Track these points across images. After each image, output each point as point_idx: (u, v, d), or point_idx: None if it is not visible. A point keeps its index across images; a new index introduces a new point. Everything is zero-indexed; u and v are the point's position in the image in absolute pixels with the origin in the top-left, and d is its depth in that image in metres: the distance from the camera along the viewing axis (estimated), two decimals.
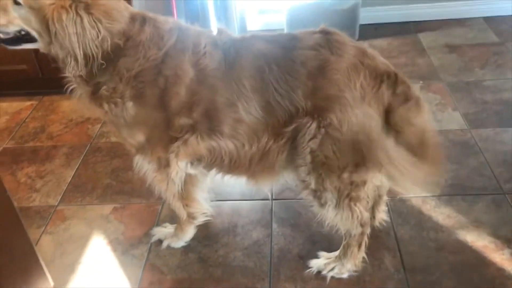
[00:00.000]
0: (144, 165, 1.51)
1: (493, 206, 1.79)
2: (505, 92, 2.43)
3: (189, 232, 1.73)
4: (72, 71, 1.32)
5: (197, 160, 1.46)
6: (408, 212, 1.80)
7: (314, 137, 1.32)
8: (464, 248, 1.64)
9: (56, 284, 1.57)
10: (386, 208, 1.79)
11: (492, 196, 1.83)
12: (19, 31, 1.36)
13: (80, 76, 1.34)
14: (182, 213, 1.64)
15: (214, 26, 2.85)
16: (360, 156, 1.33)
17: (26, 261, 1.36)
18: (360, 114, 1.29)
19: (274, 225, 1.80)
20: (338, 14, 3.00)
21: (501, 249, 1.62)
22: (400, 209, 1.82)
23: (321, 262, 1.60)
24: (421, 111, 1.38)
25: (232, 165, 1.44)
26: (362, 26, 3.15)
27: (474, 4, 3.16)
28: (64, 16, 1.25)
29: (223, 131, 1.37)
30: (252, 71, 1.32)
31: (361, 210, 1.45)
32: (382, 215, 1.73)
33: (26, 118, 2.60)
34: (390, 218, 1.78)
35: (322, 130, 1.30)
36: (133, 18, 1.34)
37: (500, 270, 1.55)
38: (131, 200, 1.97)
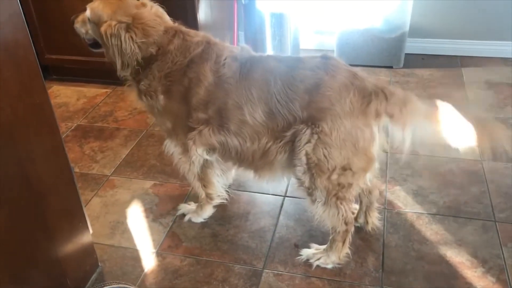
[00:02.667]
0: (171, 148, 1.88)
1: (481, 230, 1.96)
2: None
3: (208, 211, 2.06)
4: (118, 72, 1.73)
5: (211, 149, 1.79)
6: (401, 224, 2.01)
7: (308, 141, 1.59)
8: (442, 261, 1.83)
9: (96, 235, 1.97)
10: (381, 217, 2.01)
11: (483, 222, 1.99)
12: (94, 38, 1.79)
13: (128, 75, 1.74)
14: (201, 192, 1.98)
15: (269, 42, 3.19)
16: (347, 161, 1.60)
17: (71, 209, 1.74)
18: (348, 125, 1.55)
19: (281, 217, 2.08)
20: (386, 42, 3.23)
21: (475, 267, 1.79)
22: (395, 220, 2.03)
23: (310, 251, 1.87)
24: (420, 106, 1.61)
25: (238, 158, 1.76)
26: (409, 55, 3.35)
27: None
28: (109, 32, 1.65)
29: (230, 128, 1.69)
30: (260, 83, 1.62)
31: (347, 210, 1.70)
32: (374, 220, 1.96)
33: (99, 103, 3.08)
34: (383, 226, 2.00)
35: (315, 136, 1.58)
36: (166, 31, 1.71)
37: (468, 285, 1.73)
38: (168, 179, 2.34)
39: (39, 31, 3.16)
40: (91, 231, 1.84)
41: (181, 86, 1.70)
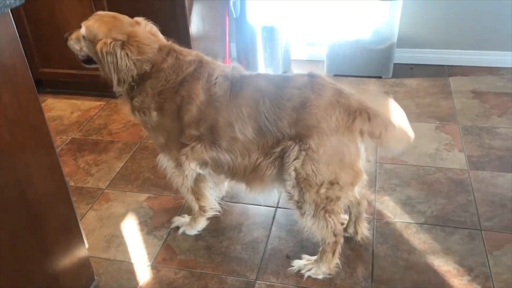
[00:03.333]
0: (164, 162, 1.92)
1: (467, 239, 2.01)
2: None
3: (201, 223, 2.10)
4: (114, 88, 1.77)
5: (204, 164, 1.84)
6: (390, 234, 2.07)
7: (297, 158, 1.64)
8: (429, 270, 1.88)
9: (92, 248, 2.01)
10: (371, 227, 2.07)
11: (469, 231, 2.05)
12: (88, 55, 1.84)
13: (122, 90, 1.79)
14: (194, 205, 2.02)
15: (260, 54, 3.25)
16: (334, 175, 1.65)
17: (68, 225, 1.78)
18: (334, 141, 1.61)
19: (273, 228, 2.13)
20: (375, 53, 3.29)
21: (462, 276, 1.85)
22: (384, 230, 2.08)
23: (302, 262, 1.91)
24: (399, 131, 1.70)
25: (231, 172, 1.81)
26: (397, 65, 3.42)
27: (508, 55, 3.32)
28: (104, 50, 1.70)
29: (221, 145, 1.74)
30: (250, 101, 1.68)
31: (335, 222, 1.75)
32: (363, 230, 2.01)
33: (93, 116, 3.12)
34: (373, 236, 2.05)
35: (303, 153, 1.63)
36: (160, 49, 1.76)
37: None
38: (163, 192, 2.38)
39: (33, 45, 3.20)
40: (86, 245, 1.88)
41: (174, 103, 1.75)
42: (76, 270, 1.82)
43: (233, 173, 1.81)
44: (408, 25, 3.36)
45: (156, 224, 2.19)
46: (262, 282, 1.87)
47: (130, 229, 2.17)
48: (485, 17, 3.27)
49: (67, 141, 2.86)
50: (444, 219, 2.12)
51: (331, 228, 1.76)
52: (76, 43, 1.87)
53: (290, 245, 2.04)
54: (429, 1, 3.29)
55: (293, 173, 1.67)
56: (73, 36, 1.87)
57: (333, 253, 1.84)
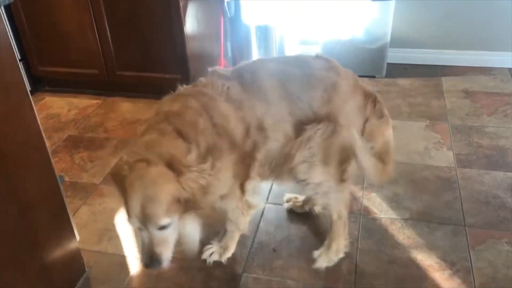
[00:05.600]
0: (230, 204, 1.78)
1: (451, 235, 2.05)
2: (502, 139, 2.64)
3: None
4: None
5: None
6: (375, 229, 2.11)
7: (326, 134, 1.68)
8: (412, 265, 1.92)
9: (84, 241, 2.06)
10: (357, 222, 2.11)
11: (453, 227, 2.09)
12: None
13: None
14: (242, 222, 1.90)
15: (255, 52, 3.30)
16: (351, 151, 1.71)
17: (59, 219, 1.83)
18: (356, 123, 1.72)
19: (261, 223, 2.18)
20: (368, 52, 3.34)
21: (443, 270, 1.89)
22: (369, 225, 2.13)
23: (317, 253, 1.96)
24: (389, 126, 1.83)
25: (272, 166, 1.77)
26: (391, 64, 3.46)
27: (501, 55, 3.36)
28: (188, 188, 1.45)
29: (268, 136, 1.69)
30: (274, 85, 1.67)
31: (348, 192, 1.88)
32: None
33: (90, 113, 3.18)
34: (358, 232, 2.09)
35: (333, 130, 1.67)
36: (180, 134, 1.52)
37: (436, 286, 1.82)
38: None
39: (32, 44, 3.26)
40: (78, 238, 1.93)
41: (221, 139, 1.58)
42: (67, 261, 1.87)
43: (274, 166, 1.78)
44: (401, 25, 3.40)
45: None
46: (249, 275, 1.92)
47: (122, 224, 2.22)
48: (478, 17, 3.31)
49: (64, 138, 2.91)
50: (429, 215, 2.16)
51: (347, 199, 1.89)
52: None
53: (277, 240, 2.08)
54: (422, 1, 3.34)
55: (321, 150, 1.69)
56: None
57: (344, 227, 1.93)
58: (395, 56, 3.49)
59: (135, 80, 3.23)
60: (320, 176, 1.75)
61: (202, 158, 1.48)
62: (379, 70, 3.40)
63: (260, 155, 1.70)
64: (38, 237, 1.70)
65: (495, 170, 2.41)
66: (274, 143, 1.72)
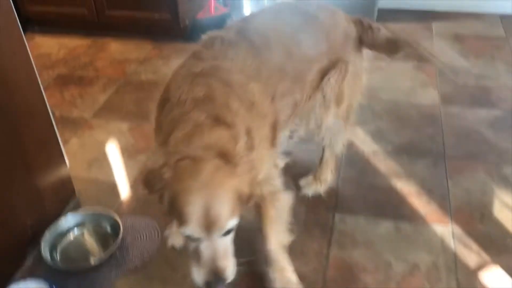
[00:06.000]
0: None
1: (431, 165, 2.11)
2: (487, 80, 2.68)
3: None
4: None
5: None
6: (358, 160, 2.17)
7: (338, 75, 1.69)
8: (391, 191, 1.99)
9: (74, 169, 2.11)
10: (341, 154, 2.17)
11: (434, 158, 2.15)
12: None
13: None
14: None
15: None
16: (358, 87, 1.79)
17: (47, 141, 1.87)
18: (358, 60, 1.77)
19: None
20: None
21: (421, 196, 1.96)
22: (352, 157, 2.18)
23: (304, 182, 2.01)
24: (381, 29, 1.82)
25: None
26: (382, 10, 3.44)
27: (493, 1, 3.35)
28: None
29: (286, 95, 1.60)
30: (284, 42, 1.58)
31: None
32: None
33: (80, 53, 3.17)
34: (341, 162, 2.15)
35: (344, 70, 1.69)
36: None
37: (413, 211, 1.90)
38: (143, 123, 2.46)
39: None
40: (68, 163, 1.98)
41: (252, 117, 1.41)
42: (57, 185, 1.93)
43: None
44: None
45: (137, 150, 2.28)
46: None
47: (112, 154, 2.27)
48: None
49: (54, 76, 2.92)
50: (411, 147, 2.22)
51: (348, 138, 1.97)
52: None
53: None
54: None
55: (334, 90, 1.71)
56: None
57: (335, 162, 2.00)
58: (387, 1, 3.47)
59: (124, 20, 3.21)
60: (332, 118, 1.78)
61: (249, 145, 1.31)
62: (369, 15, 3.36)
63: (283, 116, 1.62)
64: (28, 159, 1.75)
65: (478, 107, 2.46)
66: (291, 99, 1.64)
